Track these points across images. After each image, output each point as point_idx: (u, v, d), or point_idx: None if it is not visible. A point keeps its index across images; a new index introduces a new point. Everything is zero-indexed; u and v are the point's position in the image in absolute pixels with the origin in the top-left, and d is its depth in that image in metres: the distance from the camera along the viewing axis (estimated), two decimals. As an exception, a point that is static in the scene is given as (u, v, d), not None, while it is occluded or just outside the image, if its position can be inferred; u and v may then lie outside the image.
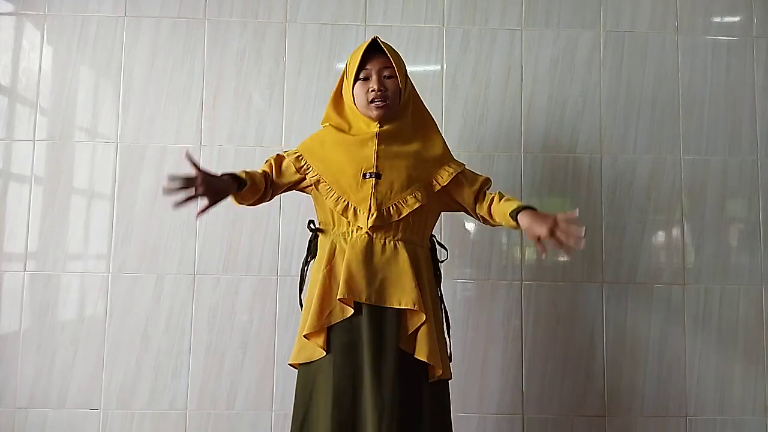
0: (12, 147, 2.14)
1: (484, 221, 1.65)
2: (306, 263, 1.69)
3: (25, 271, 2.10)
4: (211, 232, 2.13)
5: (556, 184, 2.18)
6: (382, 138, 1.59)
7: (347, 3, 2.20)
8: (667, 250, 2.18)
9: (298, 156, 1.63)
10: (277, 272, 2.12)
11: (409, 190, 1.57)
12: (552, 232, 1.41)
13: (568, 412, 2.11)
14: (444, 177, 1.61)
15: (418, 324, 1.52)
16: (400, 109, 1.62)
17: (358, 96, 1.60)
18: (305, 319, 1.55)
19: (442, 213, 1.78)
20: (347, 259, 1.53)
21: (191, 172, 1.40)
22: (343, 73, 1.66)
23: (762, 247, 2.18)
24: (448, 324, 1.68)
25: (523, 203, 1.53)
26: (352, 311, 1.51)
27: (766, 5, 2.26)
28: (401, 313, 1.53)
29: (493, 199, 1.61)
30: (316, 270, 1.60)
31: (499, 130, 2.19)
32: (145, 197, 2.13)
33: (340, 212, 1.56)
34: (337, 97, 1.67)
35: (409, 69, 2.09)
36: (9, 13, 2.18)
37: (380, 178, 1.56)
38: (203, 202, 1.44)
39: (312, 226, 1.67)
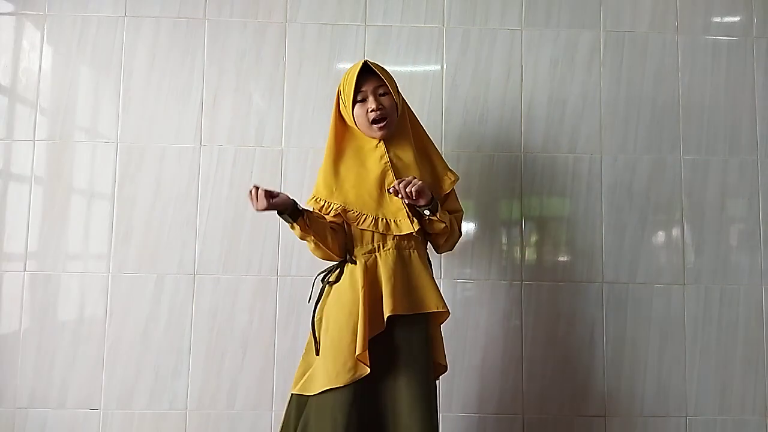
0: (12, 147, 2.14)
1: (433, 241, 1.76)
2: (330, 283, 1.71)
3: (25, 271, 2.10)
4: (211, 232, 2.13)
5: (556, 184, 2.18)
6: (390, 153, 1.70)
7: (347, 3, 2.20)
8: (667, 250, 2.18)
9: (317, 199, 1.70)
10: (277, 272, 2.12)
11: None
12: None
13: (568, 412, 2.11)
14: (447, 184, 1.75)
15: (440, 322, 1.69)
16: (398, 122, 1.73)
17: (358, 117, 1.69)
18: (334, 342, 1.60)
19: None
20: (384, 276, 1.62)
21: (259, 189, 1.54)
22: (338, 99, 1.72)
23: (762, 247, 2.18)
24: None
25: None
26: (384, 326, 1.60)
27: (766, 5, 2.26)
28: (427, 317, 1.66)
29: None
30: (343, 292, 1.65)
31: (499, 130, 2.19)
32: (145, 197, 2.13)
33: (384, 230, 1.64)
34: (337, 123, 1.74)
35: (409, 69, 2.10)
36: (9, 13, 2.18)
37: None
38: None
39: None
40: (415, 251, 1.68)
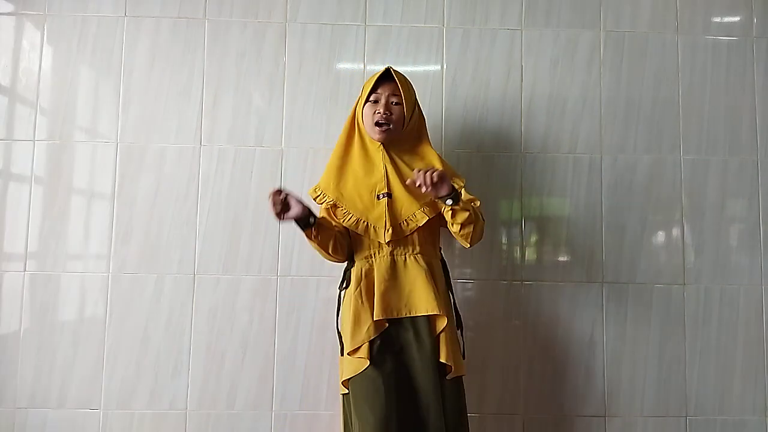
0: (12, 147, 2.14)
1: (457, 233, 1.76)
2: (342, 289, 1.81)
3: (25, 271, 2.10)
4: (211, 232, 2.13)
5: (556, 184, 2.18)
6: (390, 159, 1.76)
7: (347, 3, 2.20)
8: (667, 250, 2.18)
9: (316, 188, 1.81)
10: (277, 272, 2.12)
11: (418, 206, 1.73)
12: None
13: (568, 412, 2.11)
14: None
15: (442, 327, 1.69)
16: (403, 134, 1.77)
17: (366, 116, 1.76)
18: (346, 340, 1.71)
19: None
20: (377, 282, 1.70)
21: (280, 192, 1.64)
22: (360, 96, 1.82)
23: (762, 247, 2.18)
24: (460, 325, 1.83)
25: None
26: (387, 325, 1.68)
27: (766, 5, 2.26)
28: (429, 320, 1.70)
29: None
30: (349, 295, 1.75)
31: (499, 130, 2.19)
32: (145, 197, 2.13)
33: (362, 232, 1.73)
34: (353, 118, 1.81)
35: (409, 69, 2.09)
36: (9, 13, 2.18)
37: (392, 197, 1.73)
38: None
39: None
40: (413, 257, 1.73)
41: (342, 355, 1.74)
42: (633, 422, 2.11)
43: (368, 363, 1.65)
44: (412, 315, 1.69)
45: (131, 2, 2.19)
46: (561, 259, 2.17)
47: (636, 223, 2.17)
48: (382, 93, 1.75)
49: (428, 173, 1.58)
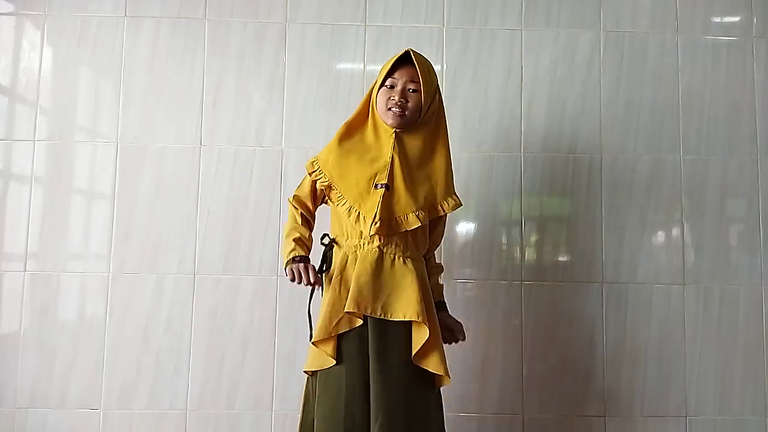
0: (12, 147, 2.14)
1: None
2: (321, 272, 1.67)
3: (25, 271, 2.10)
4: (211, 232, 2.13)
5: (556, 184, 2.18)
6: (398, 150, 1.62)
7: (347, 3, 2.20)
8: (667, 250, 2.18)
9: (313, 162, 1.67)
10: (277, 272, 2.12)
11: (414, 208, 1.60)
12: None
13: (568, 412, 2.11)
14: (448, 206, 1.65)
15: (424, 337, 1.54)
16: (418, 124, 1.64)
17: (379, 101, 1.62)
18: (315, 327, 1.59)
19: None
20: (357, 272, 1.57)
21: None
22: (376, 80, 1.68)
23: (762, 247, 2.18)
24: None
25: (439, 298, 1.74)
26: (361, 322, 1.55)
27: (766, 5, 2.26)
28: (408, 326, 1.57)
29: (432, 264, 1.77)
30: (328, 280, 1.64)
31: (499, 130, 2.19)
32: (145, 197, 2.13)
33: (353, 221, 1.60)
34: (367, 101, 1.68)
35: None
36: (9, 13, 2.18)
37: (389, 190, 1.59)
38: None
39: (326, 239, 1.69)
40: (402, 259, 1.60)
41: (310, 340, 1.61)
42: (633, 422, 2.11)
43: (333, 362, 1.54)
44: (387, 318, 1.55)
45: (131, 2, 2.19)
46: (561, 259, 2.17)
47: (636, 223, 2.17)
48: (399, 78, 1.60)
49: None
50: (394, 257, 1.60)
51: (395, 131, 1.62)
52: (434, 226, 1.73)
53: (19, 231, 2.11)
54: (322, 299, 1.64)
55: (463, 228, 2.16)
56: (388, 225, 1.59)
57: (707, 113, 2.21)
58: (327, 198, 1.68)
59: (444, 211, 1.65)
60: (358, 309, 1.54)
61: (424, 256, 1.71)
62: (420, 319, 1.53)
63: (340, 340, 1.56)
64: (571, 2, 2.23)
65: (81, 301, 2.10)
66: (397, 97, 1.59)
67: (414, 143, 1.64)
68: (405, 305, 1.55)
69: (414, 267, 1.61)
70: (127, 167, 2.14)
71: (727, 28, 2.25)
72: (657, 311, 2.15)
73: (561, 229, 2.18)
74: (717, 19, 2.26)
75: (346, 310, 1.54)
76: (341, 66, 2.19)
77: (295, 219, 1.67)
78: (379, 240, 1.59)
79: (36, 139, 2.14)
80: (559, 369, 2.12)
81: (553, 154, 2.19)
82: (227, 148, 2.16)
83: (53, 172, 2.13)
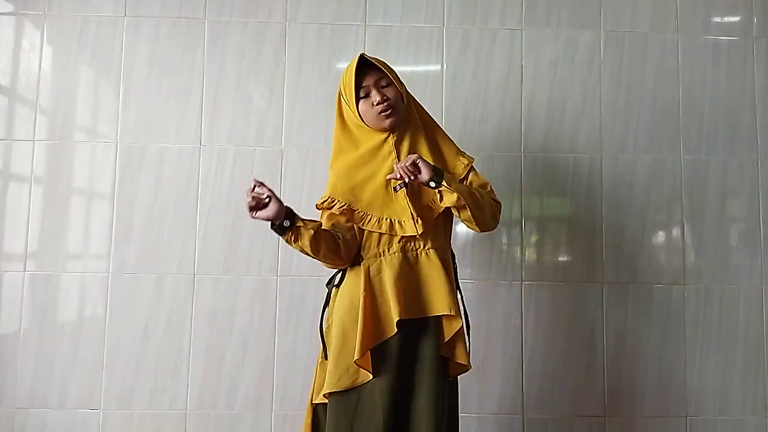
0: (12, 147, 2.14)
1: (461, 219, 1.65)
2: (334, 286, 1.65)
3: (25, 271, 2.10)
4: (211, 232, 2.12)
5: (556, 184, 2.18)
6: (398, 148, 1.63)
7: (347, 3, 2.20)
8: (667, 250, 2.18)
9: (323, 197, 1.63)
10: (277, 272, 2.12)
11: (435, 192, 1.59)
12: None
13: (568, 412, 2.11)
14: (460, 168, 1.65)
15: (456, 328, 1.55)
16: (405, 112, 1.65)
17: (365, 113, 1.61)
18: (338, 345, 1.55)
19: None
20: (391, 280, 1.55)
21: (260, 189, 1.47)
22: (339, 99, 1.66)
23: (762, 247, 2.18)
24: (468, 326, 1.71)
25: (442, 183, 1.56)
26: (395, 330, 1.52)
27: (766, 5, 2.26)
28: (438, 320, 1.57)
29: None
30: (346, 294, 1.60)
31: (499, 130, 2.19)
32: (145, 197, 2.13)
33: (387, 230, 1.58)
34: (340, 122, 1.67)
35: (409, 69, 2.10)
36: (9, 13, 2.18)
37: (407, 187, 1.58)
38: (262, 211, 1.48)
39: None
40: (425, 253, 1.60)
41: (325, 359, 1.60)
42: (633, 422, 2.11)
43: (371, 377, 1.51)
44: (429, 315, 1.55)
45: (131, 2, 2.19)
46: (561, 259, 2.17)
47: (636, 223, 2.17)
48: (369, 83, 1.60)
49: (402, 165, 1.49)
50: (417, 254, 1.60)
51: (390, 133, 1.63)
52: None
53: (19, 231, 2.11)
54: (333, 312, 1.61)
55: (463, 228, 2.16)
56: (424, 218, 1.59)
57: (707, 113, 2.21)
58: (350, 221, 1.62)
59: (459, 174, 1.64)
60: (407, 315, 1.52)
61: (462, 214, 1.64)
62: (453, 312, 1.53)
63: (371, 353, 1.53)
64: (571, 2, 2.23)
65: (81, 301, 2.10)
66: (378, 98, 1.59)
67: (410, 134, 1.65)
68: (438, 299, 1.55)
69: (438, 257, 1.60)
70: (126, 167, 2.14)
71: (727, 28, 2.25)
72: (657, 311, 2.15)
73: (561, 229, 2.18)
74: (717, 19, 2.26)
75: (397, 320, 1.50)
76: (341, 66, 2.19)
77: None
78: (399, 242, 1.59)
79: (36, 139, 2.14)
80: (559, 369, 2.12)
81: (553, 154, 2.19)
82: (227, 148, 2.16)
83: (53, 172, 2.13)
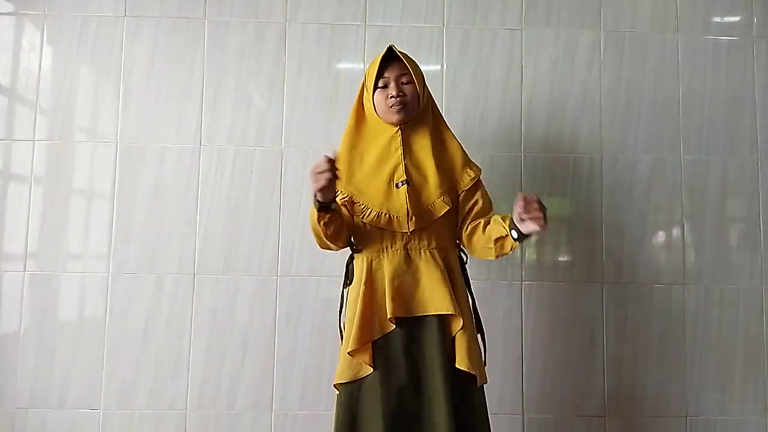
0: (12, 147, 2.14)
1: (460, 242, 1.70)
2: (345, 286, 1.70)
3: (25, 271, 2.10)
4: (211, 232, 2.13)
5: (556, 184, 2.18)
6: (406, 145, 1.65)
7: (347, 3, 2.20)
8: (667, 250, 2.18)
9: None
10: (277, 272, 2.12)
11: (437, 195, 1.62)
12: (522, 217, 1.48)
13: (568, 412, 2.11)
14: (465, 180, 1.68)
15: (457, 328, 1.57)
16: (419, 113, 1.66)
17: (378, 103, 1.65)
18: (348, 338, 1.58)
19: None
20: (389, 275, 1.58)
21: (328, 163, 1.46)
22: (363, 84, 1.70)
23: (762, 247, 2.18)
24: (480, 329, 1.72)
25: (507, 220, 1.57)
26: (394, 326, 1.56)
27: (766, 5, 2.26)
28: (442, 320, 1.58)
29: (483, 222, 1.65)
30: (354, 290, 1.63)
31: (499, 130, 2.19)
32: (145, 197, 2.13)
33: (385, 225, 1.60)
34: (359, 109, 1.70)
35: (409, 69, 2.08)
36: (9, 13, 2.18)
37: (410, 185, 1.61)
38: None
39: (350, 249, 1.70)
40: (427, 252, 1.61)
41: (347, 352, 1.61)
42: (633, 422, 2.11)
43: (371, 370, 1.55)
44: (424, 314, 1.57)
45: (131, 2, 2.19)
46: (561, 259, 2.17)
47: (636, 223, 2.17)
48: (390, 75, 1.63)
49: (536, 204, 1.45)
50: (421, 253, 1.62)
51: (400, 128, 1.65)
52: (466, 201, 1.68)
53: (19, 231, 2.11)
54: (347, 309, 1.66)
55: (463, 228, 2.16)
56: (421, 218, 1.60)
57: (707, 113, 2.21)
58: (350, 213, 1.65)
59: (461, 187, 1.66)
60: (400, 312, 1.55)
61: (458, 239, 1.71)
62: (454, 312, 1.55)
63: (373, 346, 1.57)
64: (571, 2, 2.23)
65: (81, 301, 2.10)
66: (395, 92, 1.61)
67: (421, 135, 1.67)
68: (438, 298, 1.56)
69: (441, 257, 1.62)
70: (126, 167, 2.14)
71: (727, 28, 2.25)
72: (657, 311, 2.15)
73: (561, 229, 2.18)
74: (717, 19, 2.26)
75: (389, 318, 1.54)
76: (341, 66, 2.19)
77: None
78: (403, 239, 1.61)
79: (36, 139, 2.14)
80: (559, 369, 2.12)
81: (553, 154, 2.19)
82: (227, 148, 2.16)
83: (53, 172, 2.13)
